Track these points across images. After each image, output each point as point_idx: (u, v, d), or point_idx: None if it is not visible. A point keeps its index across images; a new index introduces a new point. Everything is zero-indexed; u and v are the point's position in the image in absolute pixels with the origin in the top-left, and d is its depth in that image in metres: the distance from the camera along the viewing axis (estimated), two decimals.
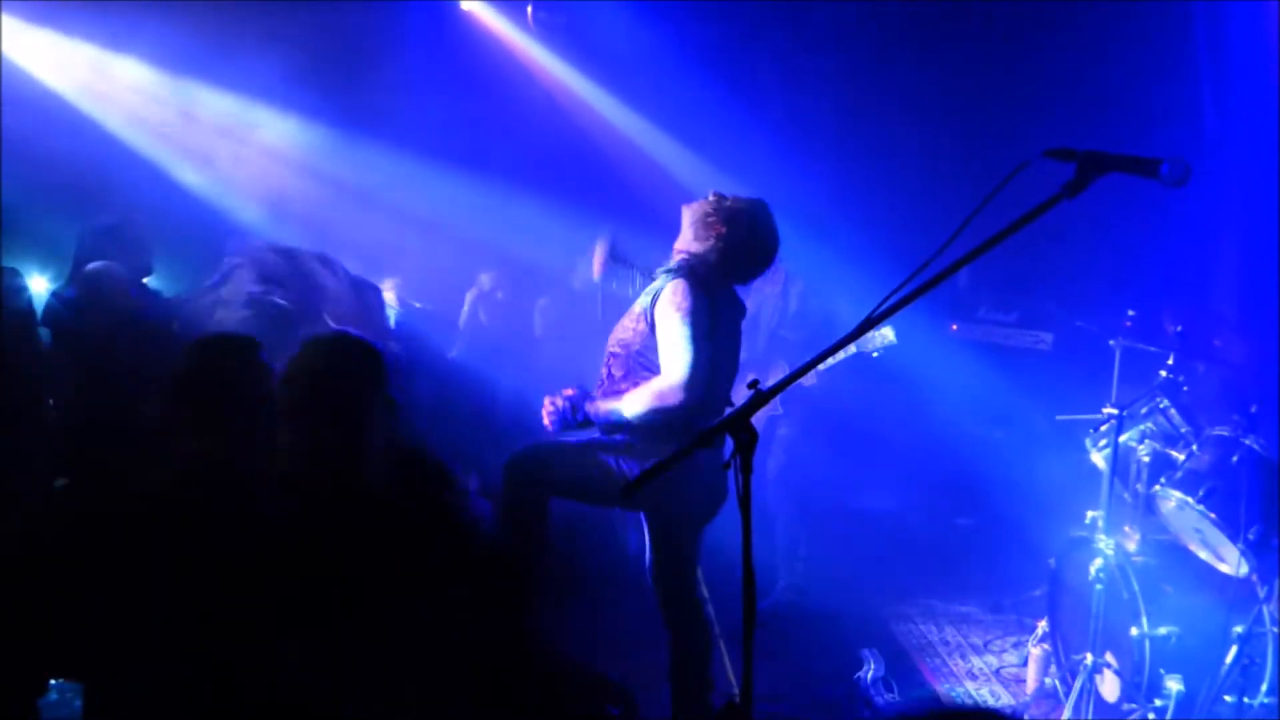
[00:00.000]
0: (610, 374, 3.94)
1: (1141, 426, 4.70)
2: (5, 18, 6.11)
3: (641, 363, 3.84)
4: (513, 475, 3.90)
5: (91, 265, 4.93)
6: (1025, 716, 4.85)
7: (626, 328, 3.91)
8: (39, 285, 5.92)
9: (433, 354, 5.41)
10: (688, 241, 3.92)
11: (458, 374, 5.51)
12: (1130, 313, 5.07)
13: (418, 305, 5.97)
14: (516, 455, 3.93)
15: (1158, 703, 4.21)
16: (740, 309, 4.08)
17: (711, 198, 3.95)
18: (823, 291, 5.97)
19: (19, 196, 5.58)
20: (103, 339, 4.59)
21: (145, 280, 5.23)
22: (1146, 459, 4.67)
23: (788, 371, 3.12)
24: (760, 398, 2.20)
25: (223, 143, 6.95)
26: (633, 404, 3.78)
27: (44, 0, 6.30)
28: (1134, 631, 4.31)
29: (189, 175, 6.82)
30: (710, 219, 3.88)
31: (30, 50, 6.41)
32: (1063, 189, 2.15)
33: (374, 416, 2.79)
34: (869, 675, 5.08)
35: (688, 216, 3.96)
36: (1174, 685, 4.16)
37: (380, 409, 2.82)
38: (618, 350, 3.92)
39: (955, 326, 7.26)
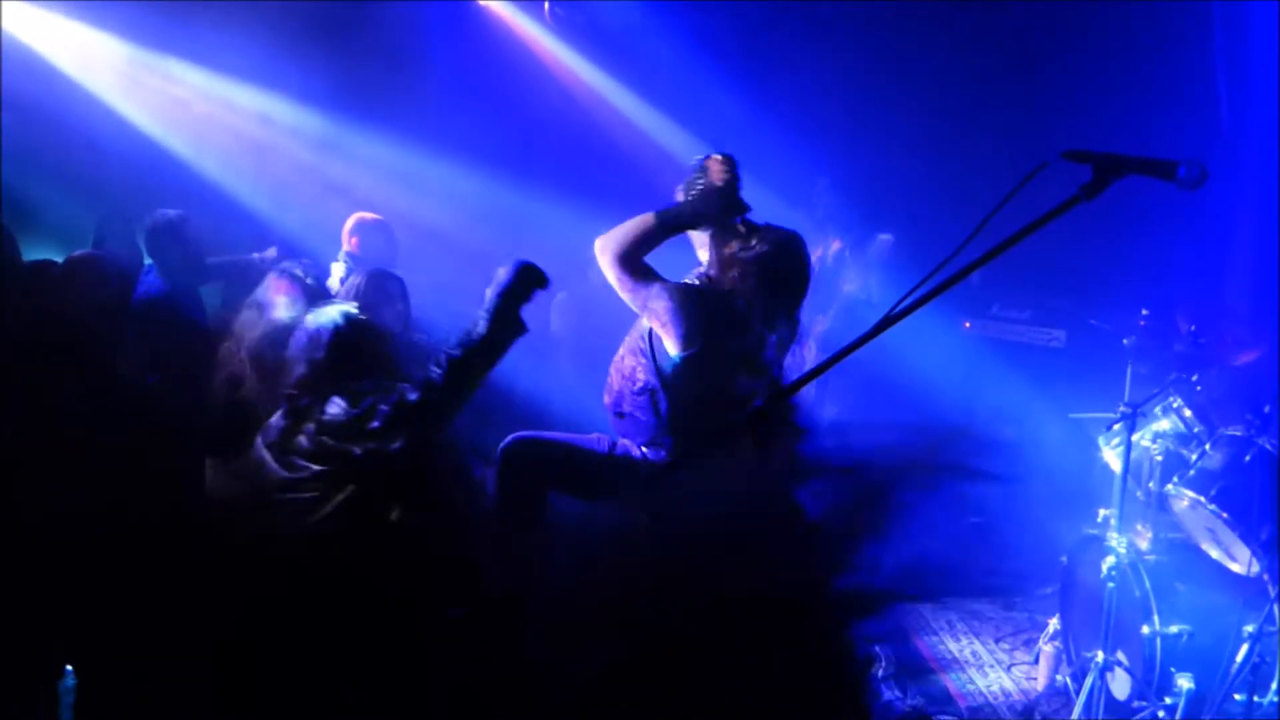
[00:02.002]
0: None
1: (1154, 425, 4.71)
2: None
3: (639, 401, 3.68)
4: (510, 465, 3.73)
5: (78, 252, 4.95)
6: (1036, 714, 4.87)
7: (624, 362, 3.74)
8: None
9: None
10: (711, 265, 3.73)
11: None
12: (1144, 311, 5.08)
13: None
14: (513, 445, 3.74)
15: (1168, 700, 4.23)
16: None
17: (741, 229, 3.68)
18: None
19: (32, 181, 5.61)
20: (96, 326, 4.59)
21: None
22: (1159, 458, 4.68)
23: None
24: (783, 391, 2.22)
25: (238, 134, 6.98)
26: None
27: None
28: (1145, 629, 4.32)
29: (206, 164, 6.85)
30: (731, 255, 3.63)
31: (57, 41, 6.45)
32: (1080, 191, 2.16)
33: None
34: (880, 671, 5.10)
35: (711, 243, 3.74)
36: (1185, 683, 4.18)
37: None
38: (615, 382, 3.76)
39: (969, 324, 7.27)
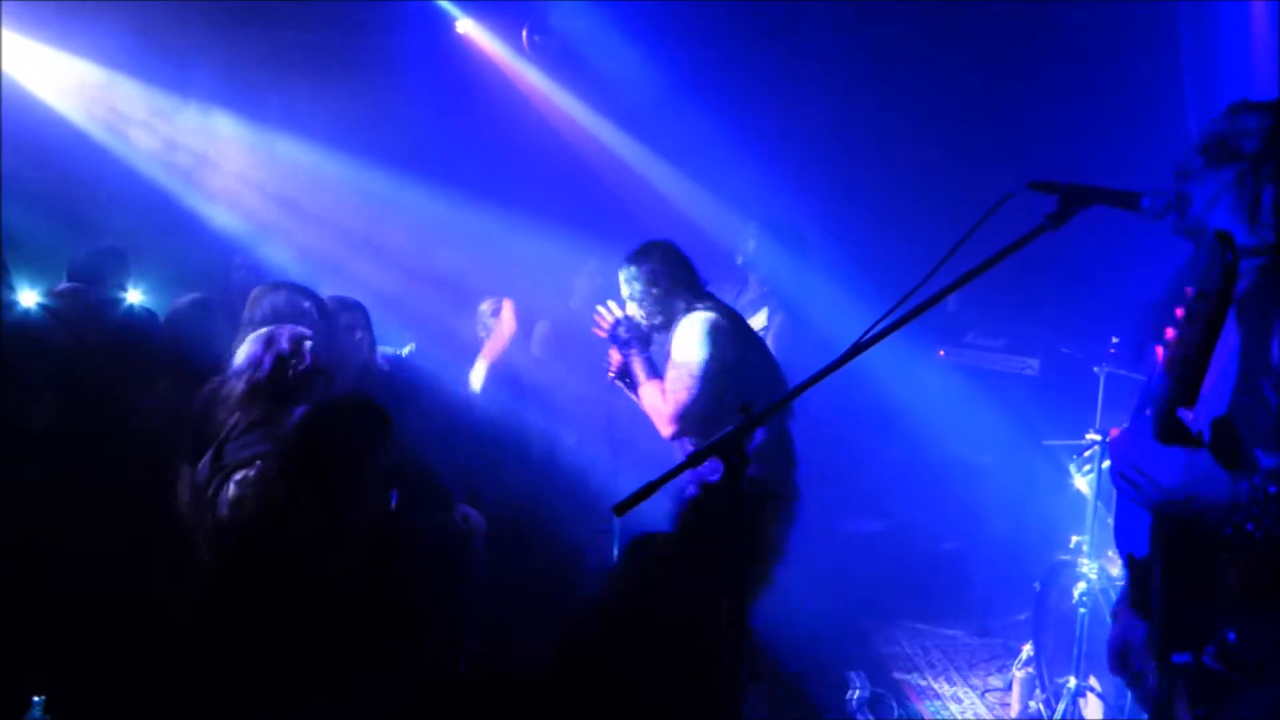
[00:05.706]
0: None
1: None
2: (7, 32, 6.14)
3: None
4: None
5: (70, 283, 4.97)
6: None
7: None
8: (29, 299, 5.94)
9: (428, 379, 5.38)
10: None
11: (454, 398, 5.49)
12: (1114, 339, 5.14)
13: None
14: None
15: None
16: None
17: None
18: (811, 314, 5.97)
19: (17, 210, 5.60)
20: (80, 352, 4.59)
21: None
22: None
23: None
24: (751, 422, 2.23)
25: (221, 164, 6.99)
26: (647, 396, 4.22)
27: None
28: None
29: (187, 196, 6.85)
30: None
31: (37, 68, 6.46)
32: (1045, 220, 2.20)
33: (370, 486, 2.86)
34: (855, 698, 5.10)
35: None
36: None
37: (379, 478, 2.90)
38: None
39: (942, 352, 7.31)
